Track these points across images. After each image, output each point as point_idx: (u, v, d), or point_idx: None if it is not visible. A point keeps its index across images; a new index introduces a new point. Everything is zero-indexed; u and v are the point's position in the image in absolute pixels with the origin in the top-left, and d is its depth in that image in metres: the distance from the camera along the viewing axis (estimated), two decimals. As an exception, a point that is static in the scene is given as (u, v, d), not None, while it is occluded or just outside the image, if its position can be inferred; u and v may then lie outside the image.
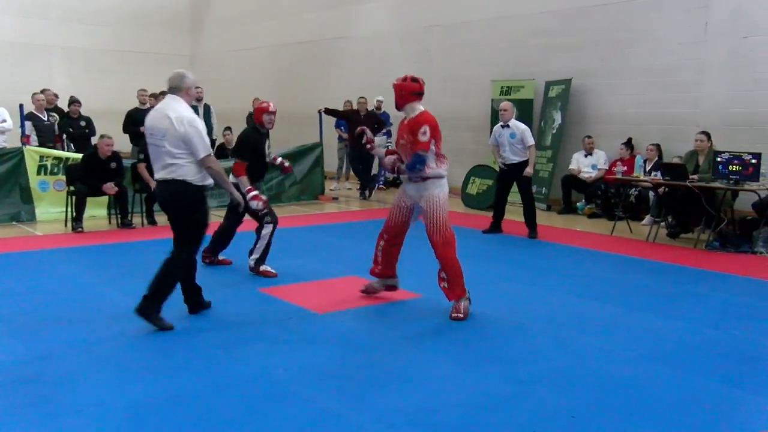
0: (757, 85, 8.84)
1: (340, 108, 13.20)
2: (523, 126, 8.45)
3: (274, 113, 6.26)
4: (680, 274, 6.56)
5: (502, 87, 11.71)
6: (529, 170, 8.36)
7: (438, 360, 4.19)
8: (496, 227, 8.67)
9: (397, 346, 4.45)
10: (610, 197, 9.89)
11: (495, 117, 11.77)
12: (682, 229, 8.40)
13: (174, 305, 4.83)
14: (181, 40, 20.02)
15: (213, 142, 12.73)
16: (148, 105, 11.47)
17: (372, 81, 13.86)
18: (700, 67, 9.41)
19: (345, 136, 13.16)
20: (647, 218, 9.23)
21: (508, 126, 8.36)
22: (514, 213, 9.22)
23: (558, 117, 10.90)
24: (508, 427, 3.27)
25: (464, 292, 5.09)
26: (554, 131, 10.97)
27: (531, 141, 8.34)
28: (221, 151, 12.20)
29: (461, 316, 4.99)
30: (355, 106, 13.15)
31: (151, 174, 8.70)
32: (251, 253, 6.30)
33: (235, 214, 6.51)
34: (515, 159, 8.35)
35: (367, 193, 12.26)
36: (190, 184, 4.64)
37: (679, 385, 3.80)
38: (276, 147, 13.14)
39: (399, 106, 5.18)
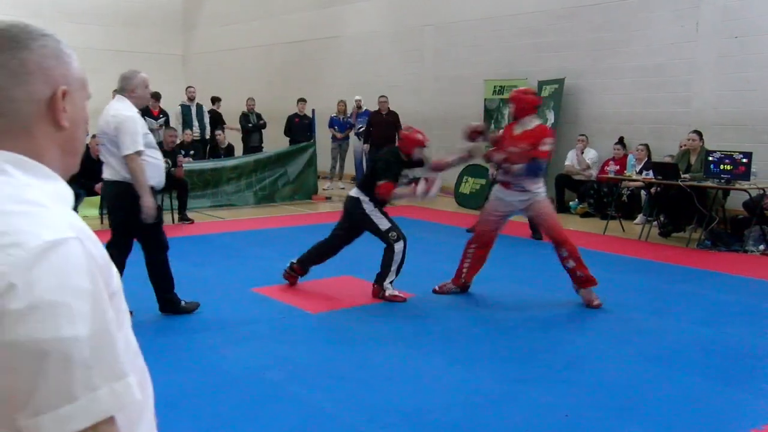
0: (747, 85, 8.88)
1: (334, 108, 13.23)
2: None
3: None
4: (672, 273, 6.58)
5: (495, 86, 11.73)
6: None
7: (432, 359, 4.20)
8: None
9: (392, 346, 4.46)
10: (602, 196, 9.92)
11: (488, 116, 11.81)
12: (674, 228, 8.44)
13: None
14: (174, 39, 19.95)
15: (206, 142, 12.73)
16: None
17: (365, 80, 13.86)
18: (691, 67, 9.45)
19: (339, 135, 13.19)
20: (639, 217, 9.26)
21: None
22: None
23: (551, 116, 10.92)
24: (502, 426, 3.29)
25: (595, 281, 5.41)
26: (547, 131, 10.99)
27: None
28: (214, 152, 12.20)
29: (599, 302, 5.31)
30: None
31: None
32: (382, 277, 5.54)
33: (350, 231, 5.78)
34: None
35: None
36: (131, 185, 4.52)
37: (672, 384, 3.81)
38: (269, 146, 13.19)
39: (518, 117, 5.44)
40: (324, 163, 13.17)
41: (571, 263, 5.37)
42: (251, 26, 17.42)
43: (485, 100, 11.84)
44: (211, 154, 12.26)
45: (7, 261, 0.83)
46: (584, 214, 10.09)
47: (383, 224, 5.51)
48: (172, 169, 8.98)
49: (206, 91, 14.33)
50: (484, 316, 5.09)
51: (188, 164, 10.34)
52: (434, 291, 5.69)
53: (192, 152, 11.35)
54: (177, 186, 9.10)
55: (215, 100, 13.56)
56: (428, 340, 4.56)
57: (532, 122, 5.42)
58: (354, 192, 5.74)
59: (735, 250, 7.57)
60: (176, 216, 9.17)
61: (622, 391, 3.71)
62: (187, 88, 13.14)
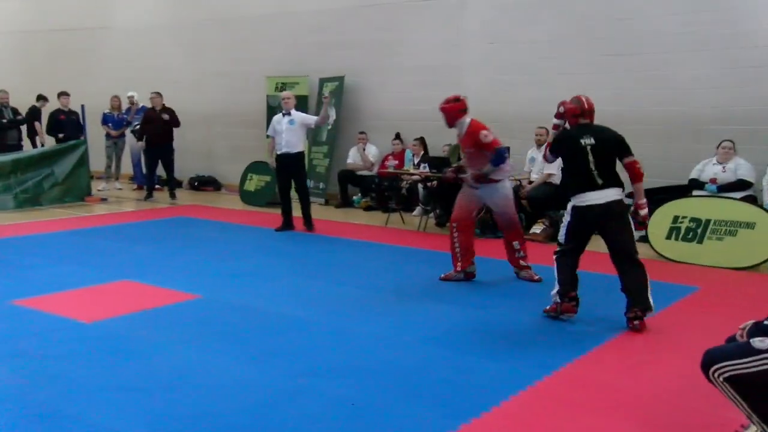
0: (503, 86, 9.77)
1: (107, 103, 12.43)
2: (303, 114, 8.81)
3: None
4: (449, 261, 7.03)
5: (277, 83, 11.73)
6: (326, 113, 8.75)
7: (221, 360, 4.10)
8: (288, 225, 8.62)
9: (177, 350, 4.27)
10: (383, 190, 10.35)
11: (271, 113, 11.75)
12: (449, 218, 9.03)
13: None
14: None
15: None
16: None
17: (141, 75, 13.13)
18: (459, 68, 10.19)
19: (113, 133, 12.40)
20: (417, 209, 9.80)
21: (289, 114, 8.47)
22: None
23: (333, 113, 11.17)
24: (292, 422, 3.29)
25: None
26: (329, 127, 11.22)
27: (312, 118, 8.73)
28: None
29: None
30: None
31: None
32: (645, 299, 4.63)
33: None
34: (291, 150, 8.42)
35: (174, 193, 11.41)
36: None
37: (448, 363, 4.08)
38: (31, 145, 11.98)
39: (451, 125, 6.05)
40: (97, 162, 12.27)
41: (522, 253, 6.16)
42: (6, 8, 15.66)
43: (268, 96, 11.80)
44: None
45: None
46: (367, 208, 10.48)
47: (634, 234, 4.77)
48: None
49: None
50: (271, 312, 5.07)
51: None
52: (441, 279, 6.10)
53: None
54: None
55: (40, 98, 12.27)
56: (216, 341, 4.44)
57: (464, 123, 5.95)
58: (611, 194, 4.65)
59: (500, 237, 8.28)
60: None
61: (406, 374, 3.90)
62: None
